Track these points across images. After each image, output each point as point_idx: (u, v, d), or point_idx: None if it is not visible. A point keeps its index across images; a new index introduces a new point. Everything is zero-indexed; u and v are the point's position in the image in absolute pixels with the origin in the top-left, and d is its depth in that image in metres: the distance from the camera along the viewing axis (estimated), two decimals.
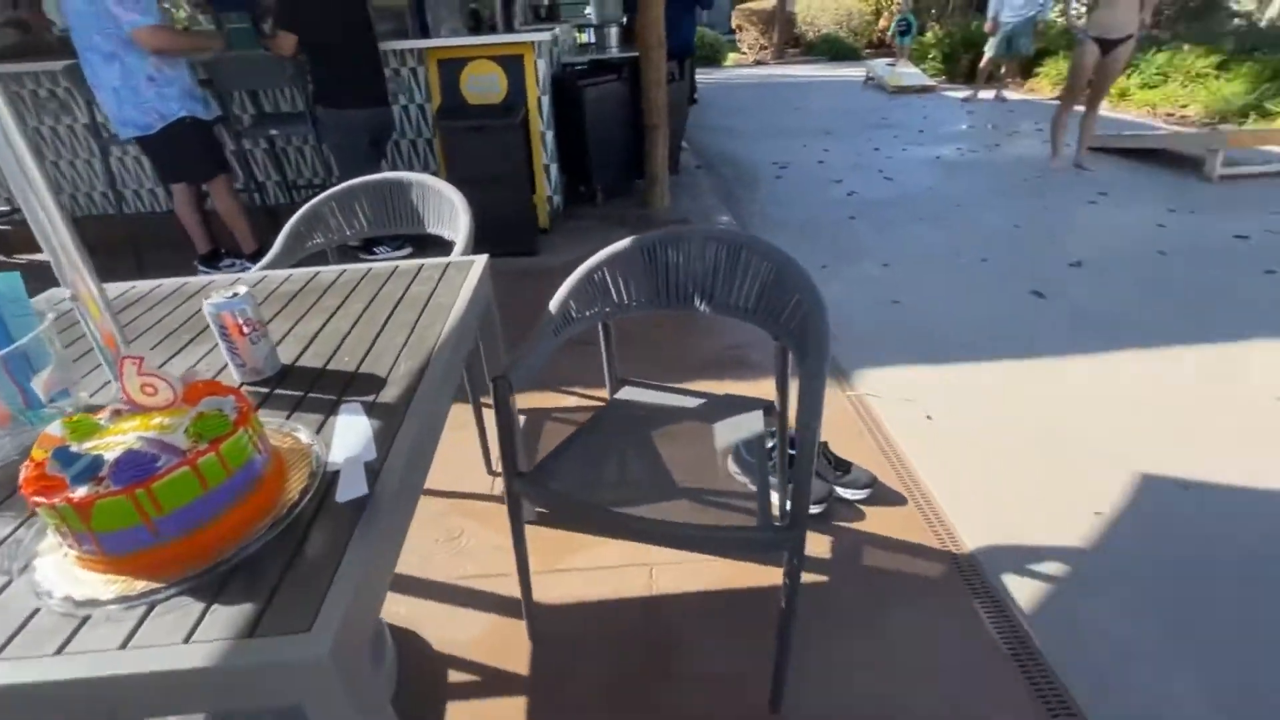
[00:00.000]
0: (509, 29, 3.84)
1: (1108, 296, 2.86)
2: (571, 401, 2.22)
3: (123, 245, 3.49)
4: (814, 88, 9.61)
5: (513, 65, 3.57)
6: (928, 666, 1.31)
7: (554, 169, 3.87)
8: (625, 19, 4.91)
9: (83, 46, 2.68)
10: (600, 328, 1.51)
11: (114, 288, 1.34)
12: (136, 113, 2.79)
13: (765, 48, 14.72)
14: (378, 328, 1.12)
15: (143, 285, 1.36)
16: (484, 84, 3.61)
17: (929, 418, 2.11)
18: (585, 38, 5.70)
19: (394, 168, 4.01)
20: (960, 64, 9.20)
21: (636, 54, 3.90)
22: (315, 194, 1.89)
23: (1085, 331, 2.57)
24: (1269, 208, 3.79)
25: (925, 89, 8.45)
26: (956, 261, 3.29)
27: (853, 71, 10.85)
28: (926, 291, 2.98)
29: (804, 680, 1.28)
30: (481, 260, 1.37)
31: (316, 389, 0.95)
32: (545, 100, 3.68)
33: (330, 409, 0.90)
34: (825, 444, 1.87)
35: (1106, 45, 4.26)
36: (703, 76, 9.69)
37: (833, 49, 13.80)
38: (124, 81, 2.72)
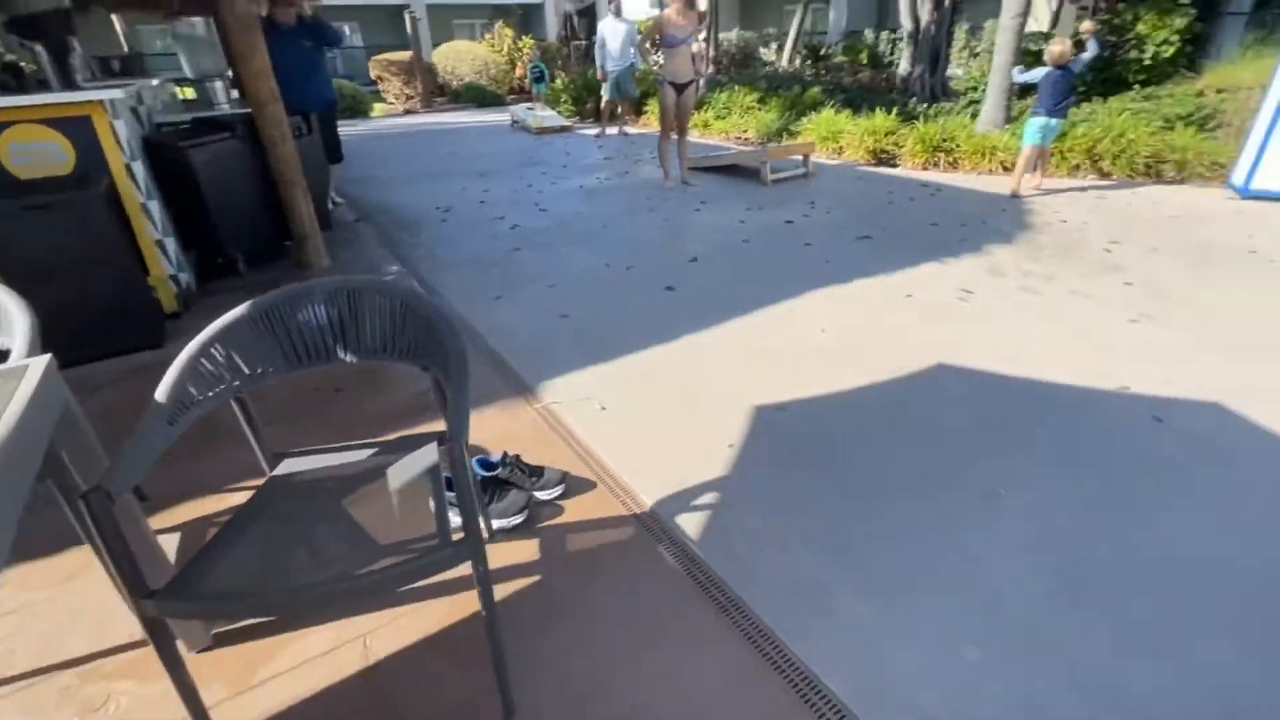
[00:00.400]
0: (68, 86, 3.18)
1: (717, 280, 3.64)
2: (226, 501, 1.96)
3: None
4: (466, 133, 9.98)
5: (79, 129, 2.97)
6: (628, 618, 1.52)
7: (171, 244, 3.33)
8: (230, 73, 4.46)
9: None
10: (235, 404, 1.39)
11: None
12: None
13: (412, 97, 14.73)
14: None
15: None
16: (39, 153, 2.92)
17: (603, 408, 2.43)
18: (190, 93, 5.01)
19: None
20: (587, 106, 10.58)
21: (249, 110, 3.59)
22: None
23: (706, 311, 3.23)
24: (803, 199, 5.27)
25: (563, 129, 9.49)
26: (607, 273, 3.81)
27: (499, 116, 11.58)
28: (588, 302, 3.40)
29: (530, 679, 1.35)
30: (41, 362, 1.15)
31: None
32: (138, 167, 3.13)
33: None
34: (518, 456, 2.01)
35: (678, 88, 5.42)
36: (349, 129, 9.27)
37: (478, 96, 14.49)
38: None
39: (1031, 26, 8.55)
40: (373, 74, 15.02)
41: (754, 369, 2.67)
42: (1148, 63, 7.67)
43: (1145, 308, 3.09)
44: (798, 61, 13.35)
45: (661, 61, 5.52)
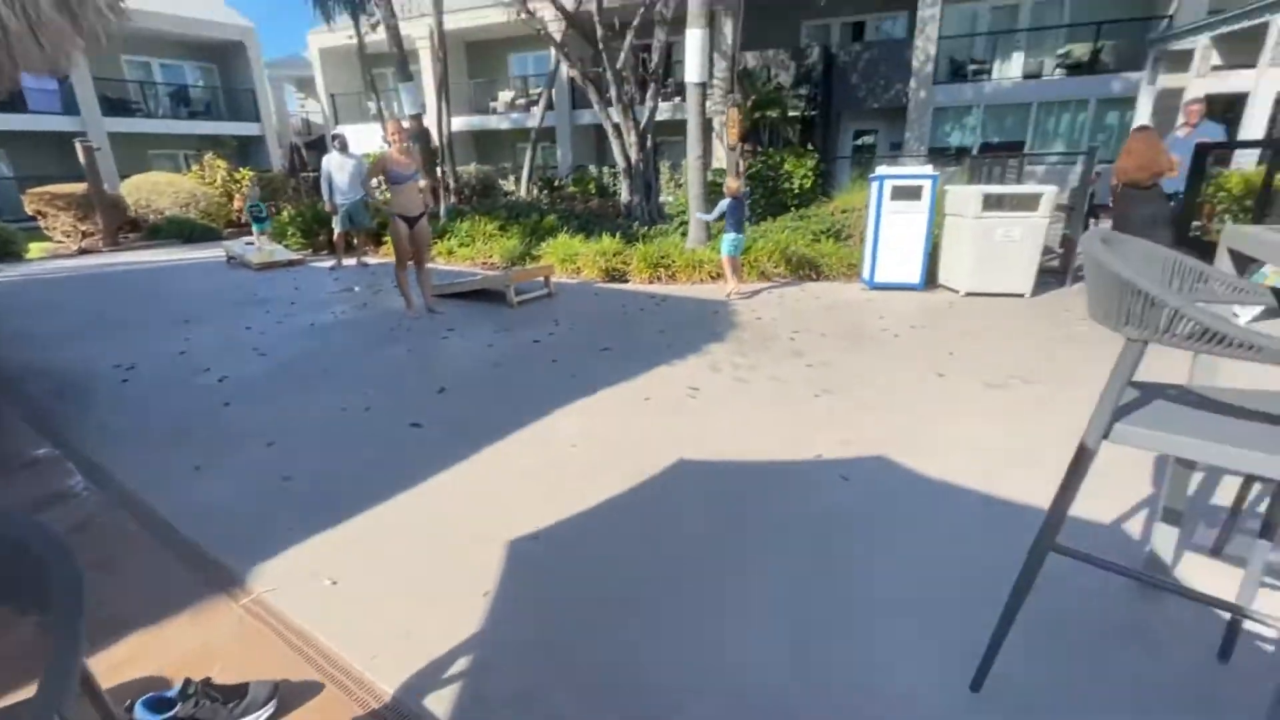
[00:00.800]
0: None
1: (466, 409, 3.54)
2: None
3: None
4: (168, 273, 8.65)
5: None
6: None
7: None
8: None
9: None
10: None
11: None
12: None
13: (91, 234, 12.43)
14: None
15: None
16: None
17: (333, 583, 2.09)
18: None
19: None
20: (319, 238, 10.01)
21: None
22: None
23: (455, 444, 3.08)
24: (547, 317, 5.53)
25: (292, 262, 8.78)
26: (342, 418, 3.46)
27: (213, 252, 10.32)
28: (317, 457, 3.01)
29: None
30: None
31: None
32: None
33: None
34: (207, 680, 1.60)
35: (409, 221, 5.44)
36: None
37: (186, 231, 12.84)
38: None
39: (715, 164, 10.65)
40: (29, 208, 12.38)
41: (507, 499, 2.58)
42: (796, 191, 9.99)
43: (823, 383, 3.78)
44: (535, 191, 14.54)
45: (389, 197, 5.53)
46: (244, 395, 3.85)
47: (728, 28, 8.69)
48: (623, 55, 10.42)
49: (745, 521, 2.37)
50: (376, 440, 3.18)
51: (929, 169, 6.50)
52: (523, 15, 12.08)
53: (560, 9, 10.85)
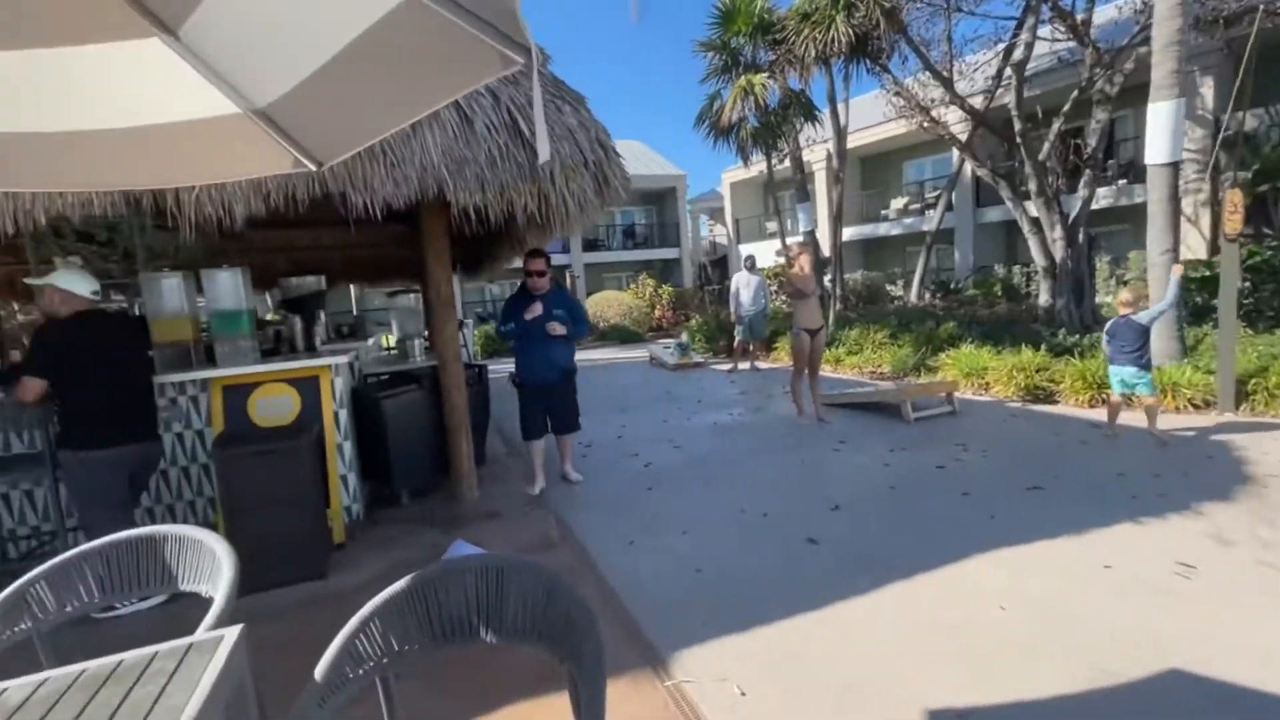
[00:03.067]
0: (310, 350, 4.02)
1: (864, 533, 3.35)
2: None
3: None
4: (609, 369, 11.01)
5: (308, 386, 3.66)
6: None
7: (352, 478, 3.78)
8: (426, 333, 5.43)
9: None
10: (379, 684, 1.39)
11: None
12: None
13: None
14: None
15: None
16: (275, 406, 3.60)
17: (742, 694, 2.14)
18: (392, 343, 6.10)
19: (159, 499, 3.60)
20: (720, 344, 11.39)
21: (435, 363, 4.27)
22: (40, 545, 1.64)
23: (855, 571, 2.93)
24: (951, 440, 4.95)
25: (697, 365, 10.17)
26: (743, 519, 3.67)
27: (639, 353, 12.74)
28: (723, 554, 3.23)
29: None
30: (230, 635, 1.25)
31: None
32: (343, 414, 3.74)
33: None
34: None
35: (811, 333, 5.73)
36: (509, 366, 10.63)
37: (622, 335, 16.24)
38: None
39: (1186, 255, 8.27)
40: None
41: (919, 654, 2.28)
42: None
43: None
44: (926, 296, 13.76)
45: (791, 309, 5.96)
46: (663, 482, 4.48)
47: (1206, 88, 6.92)
48: (1046, 145, 9.30)
49: None
50: (775, 549, 3.26)
51: None
52: (924, 125, 12.04)
53: (969, 111, 10.42)
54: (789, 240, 12.83)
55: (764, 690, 2.15)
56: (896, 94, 11.94)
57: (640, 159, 23.89)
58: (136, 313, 4.51)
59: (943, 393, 5.93)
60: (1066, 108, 9.25)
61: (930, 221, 14.07)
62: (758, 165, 12.94)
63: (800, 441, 5.28)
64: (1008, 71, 9.92)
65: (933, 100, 11.75)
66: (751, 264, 9.23)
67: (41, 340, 2.85)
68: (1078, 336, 7.57)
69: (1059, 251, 8.96)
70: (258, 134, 1.62)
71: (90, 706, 1.07)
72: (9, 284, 6.80)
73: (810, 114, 11.33)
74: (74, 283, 2.89)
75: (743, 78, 10.80)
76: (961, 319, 9.27)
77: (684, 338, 11.07)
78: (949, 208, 14.14)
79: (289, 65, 1.40)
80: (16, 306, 7.29)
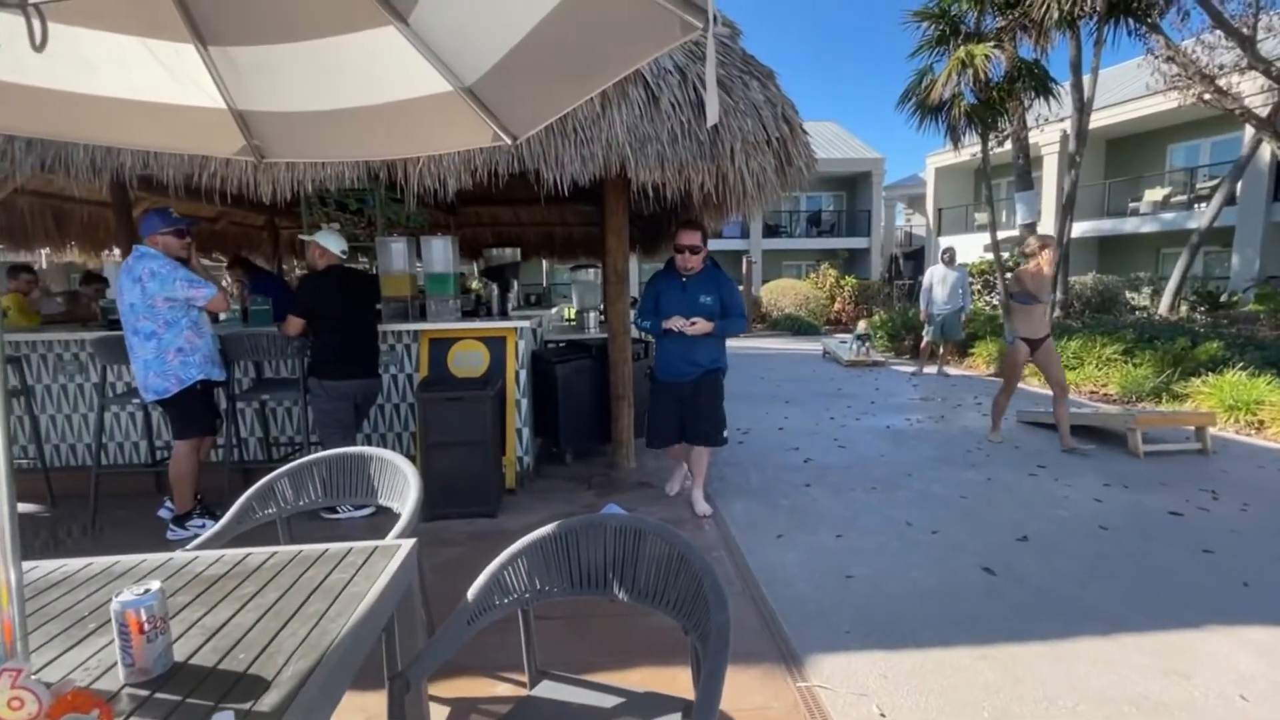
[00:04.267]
0: (502, 314, 4.48)
1: (1056, 574, 2.88)
2: (492, 689, 2.08)
3: (86, 498, 3.53)
4: (778, 359, 10.70)
5: (496, 344, 4.08)
6: None
7: (526, 433, 4.14)
8: (602, 306, 5.72)
9: (128, 329, 3.16)
10: (520, 614, 1.52)
11: (42, 567, 1.38)
12: (159, 380, 3.19)
13: None
14: (284, 620, 1.14)
15: (72, 564, 1.40)
16: (469, 359, 4.06)
17: (882, 715, 1.97)
18: (572, 315, 6.56)
19: (375, 428, 4.28)
20: (904, 343, 10.45)
21: (606, 336, 4.49)
22: (293, 451, 2.04)
23: (1037, 615, 2.53)
24: (1195, 484, 4.03)
25: (875, 364, 9.45)
26: (907, 533, 3.36)
27: (812, 345, 12.20)
28: (879, 565, 2.99)
29: None
30: (407, 545, 1.44)
31: (198, 693, 0.95)
32: (523, 373, 4.11)
33: (204, 717, 0.89)
34: None
35: (1034, 344, 4.91)
36: None
37: (795, 325, 15.68)
38: (156, 355, 3.17)
39: None
40: None
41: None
42: None
43: None
44: (1183, 309, 11.29)
45: (1007, 313, 5.15)
46: (822, 480, 4.25)
47: None
48: None
49: None
50: (941, 570, 2.93)
51: None
52: (1205, 97, 9.77)
53: (1277, 77, 8.21)
54: (1014, 232, 11.25)
55: (906, 716, 1.96)
56: (1169, 59, 9.82)
57: (834, 141, 22.63)
58: (374, 271, 5.36)
59: (1191, 425, 4.83)
60: None
61: (1200, 217, 11.43)
62: (970, 149, 11.50)
63: (988, 460, 4.68)
64: None
65: (1221, 67, 9.47)
66: (950, 257, 8.29)
67: (304, 286, 3.53)
68: None
69: None
70: (465, 110, 1.80)
71: (301, 580, 1.30)
72: (291, 244, 8.55)
73: (1044, 88, 9.74)
74: (330, 241, 3.52)
75: (962, 49, 9.62)
76: (1231, 339, 7.43)
77: (863, 327, 10.18)
78: (1230, 200, 11.35)
79: (492, 44, 1.53)
80: (296, 262, 9.19)
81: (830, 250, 21.53)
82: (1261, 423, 5.22)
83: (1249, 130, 10.09)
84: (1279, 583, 2.77)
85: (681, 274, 3.42)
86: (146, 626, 0.97)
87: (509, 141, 1.90)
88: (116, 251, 6.47)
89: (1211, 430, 4.82)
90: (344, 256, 3.60)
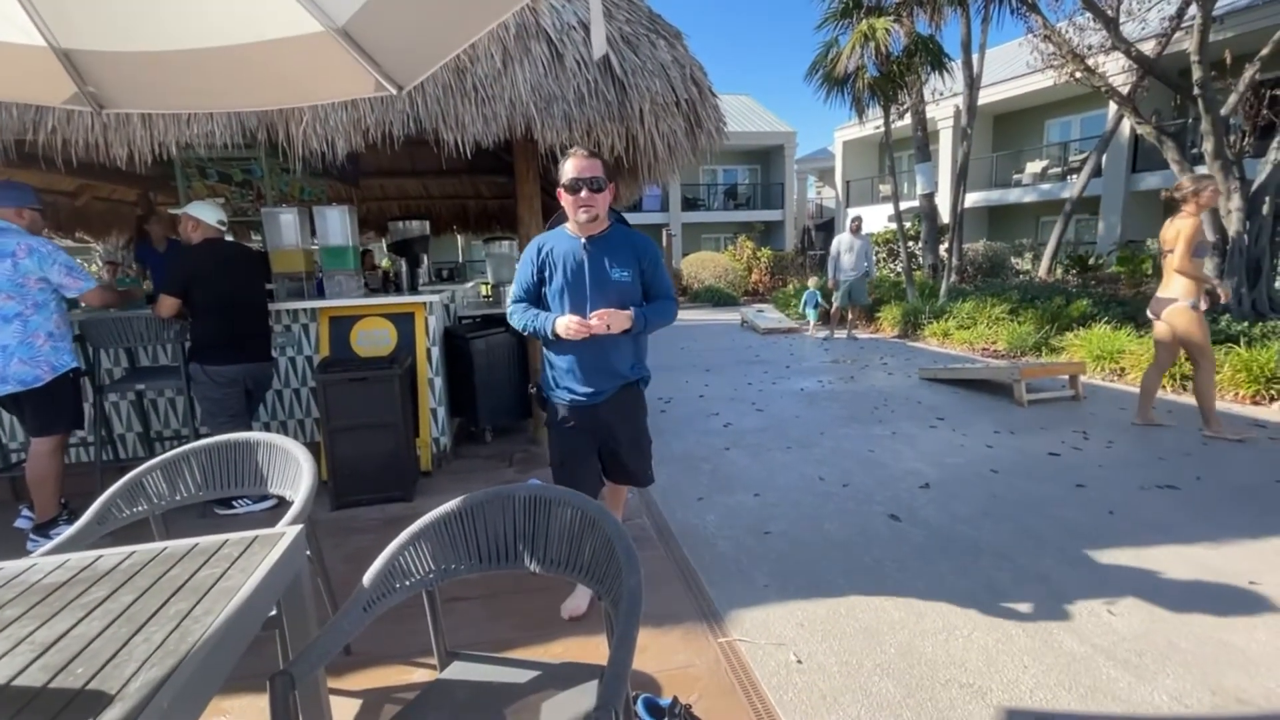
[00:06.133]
0: (412, 290, 4.23)
1: (954, 517, 3.08)
2: (407, 677, 1.99)
3: None
4: (698, 330, 10.86)
5: (404, 321, 3.85)
6: None
7: (442, 412, 3.97)
8: None
9: None
10: (425, 596, 1.43)
11: None
12: (25, 367, 2.80)
13: None
14: (137, 626, 1.01)
15: None
16: (374, 338, 3.82)
17: (799, 661, 2.04)
18: (488, 291, 6.33)
19: (274, 415, 3.96)
20: (831, 309, 10.87)
21: None
22: (178, 445, 1.83)
23: (938, 555, 2.70)
24: (1069, 426, 4.44)
25: (790, 330, 9.78)
26: (821, 488, 3.50)
27: (731, 315, 12.46)
28: (795, 520, 3.10)
29: None
30: (292, 532, 1.32)
31: (20, 718, 0.82)
32: (435, 350, 3.91)
33: None
34: (688, 707, 1.74)
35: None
36: None
37: (715, 297, 15.94)
38: (21, 340, 2.78)
39: None
40: None
41: (1001, 651, 2.06)
42: None
43: None
44: (1059, 271, 12.37)
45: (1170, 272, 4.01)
46: (740, 443, 4.36)
47: None
48: (1234, 97, 7.88)
49: None
50: (852, 521, 3.07)
51: None
52: (1076, 75, 10.58)
53: (1136, 58, 9.00)
54: (915, 203, 11.78)
55: (822, 660, 2.04)
56: (1046, 38, 10.53)
57: (747, 114, 22.94)
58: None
59: (1065, 374, 5.31)
60: (1265, 51, 7.75)
61: (1072, 188, 12.50)
62: (873, 121, 11.95)
63: (892, 415, 4.95)
64: (1192, 9, 8.44)
65: (1089, 47, 10.25)
66: (858, 225, 8.64)
67: (175, 262, 3.17)
68: (1246, 324, 6.50)
69: (1234, 224, 7.64)
70: (341, 55, 1.63)
71: (162, 580, 1.16)
72: (172, 223, 7.71)
73: (939, 62, 10.24)
74: (203, 211, 3.17)
75: (864, 22, 9.92)
76: (1098, 297, 8.22)
77: (812, 287, 9.79)
78: (1097, 172, 12.48)
79: None
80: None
81: (747, 223, 21.96)
82: (1123, 369, 5.82)
83: (1113, 107, 11.07)
84: (1138, 509, 3.10)
85: (580, 234, 2.12)
86: None
87: (394, 91, 1.74)
88: None
89: (1082, 378, 5.32)
90: (222, 229, 3.25)
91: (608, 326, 2.01)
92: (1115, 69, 10.43)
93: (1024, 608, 2.30)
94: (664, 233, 16.92)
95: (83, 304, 3.00)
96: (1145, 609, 2.26)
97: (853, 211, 19.65)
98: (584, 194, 2.05)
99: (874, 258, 9.29)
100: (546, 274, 2.17)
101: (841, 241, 8.61)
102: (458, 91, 2.99)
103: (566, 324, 2.04)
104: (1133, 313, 7.31)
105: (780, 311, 11.52)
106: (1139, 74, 9.26)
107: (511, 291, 2.28)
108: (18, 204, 2.80)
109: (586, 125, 3.16)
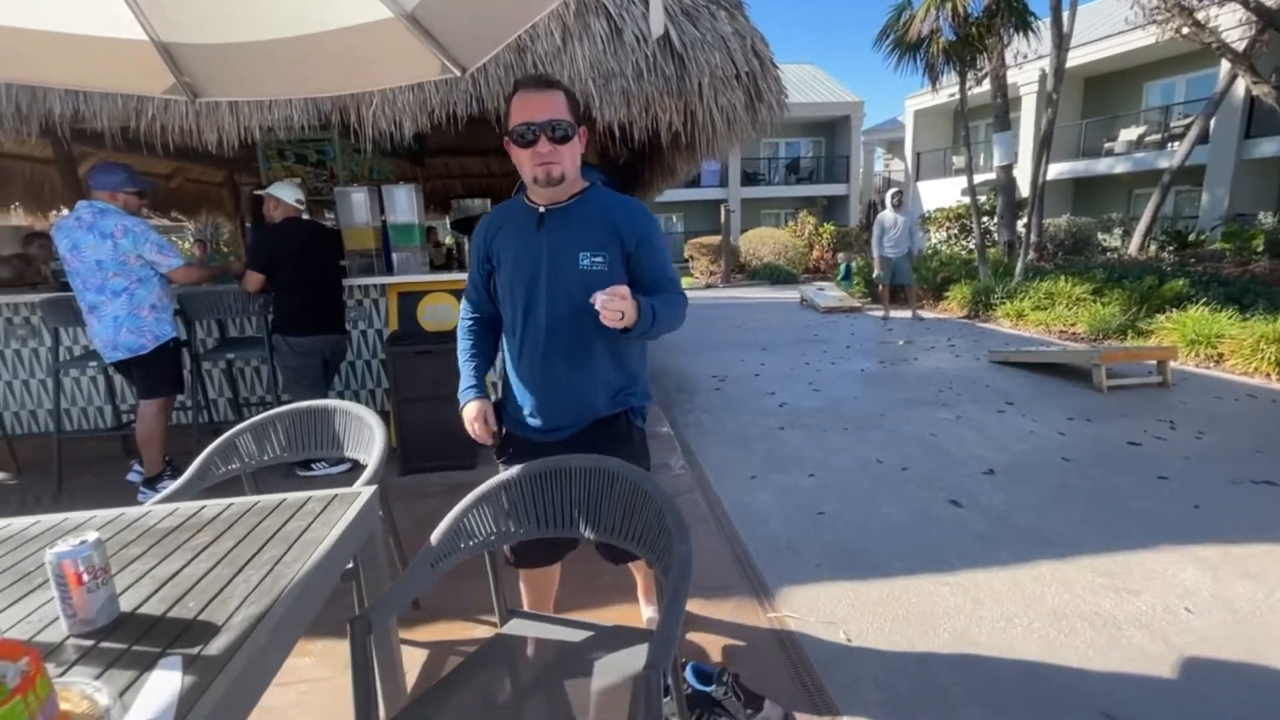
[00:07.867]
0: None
1: (1018, 504, 2.97)
2: (469, 632, 2.11)
3: (50, 465, 3.45)
4: (755, 308, 10.71)
5: None
6: None
7: (500, 385, 4.11)
8: None
9: (90, 288, 2.99)
10: (486, 556, 1.52)
11: None
12: (133, 336, 3.08)
13: (714, 273, 16.64)
14: (238, 567, 1.12)
15: (17, 523, 1.36)
16: (439, 313, 3.98)
17: (848, 640, 2.04)
18: None
19: (348, 385, 4.21)
20: (879, 289, 10.50)
21: None
22: (264, 410, 2.00)
23: (1000, 543, 2.62)
24: (1154, 415, 4.16)
25: (852, 309, 9.50)
26: (878, 470, 3.43)
27: (790, 294, 12.21)
28: (850, 501, 3.06)
29: None
30: (368, 492, 1.43)
31: (146, 640, 0.94)
32: None
33: (149, 664, 0.88)
34: (736, 676, 1.78)
35: None
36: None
37: (773, 274, 15.65)
38: (129, 311, 3.05)
39: None
40: (685, 254, 17.55)
41: (1064, 642, 2.00)
42: None
43: None
44: (1152, 249, 11.45)
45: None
46: (796, 422, 4.31)
47: None
48: None
49: None
50: (909, 504, 3.01)
51: None
52: (1184, 31, 9.64)
53: (1255, 9, 8.11)
54: (991, 175, 11.13)
55: (874, 641, 2.04)
56: None
57: (811, 84, 22.10)
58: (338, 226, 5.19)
59: (1153, 359, 4.95)
60: None
61: (1173, 156, 11.47)
62: (948, 89, 11.28)
63: (959, 398, 4.76)
64: None
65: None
66: (898, 200, 8.21)
67: (259, 240, 3.40)
68: None
69: None
70: (409, 39, 1.69)
71: (257, 529, 1.28)
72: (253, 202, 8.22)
73: (1024, 22, 9.52)
74: (284, 191, 3.37)
75: None
76: (1196, 276, 7.57)
77: (841, 263, 9.79)
78: (1202, 139, 11.37)
79: None
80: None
81: (809, 198, 21.31)
82: (1221, 355, 5.38)
83: (1225, 66, 10.04)
84: (1227, 504, 2.90)
85: (540, 203, 1.52)
86: (85, 577, 0.94)
87: (458, 73, 1.80)
88: (65, 211, 6.17)
89: (1173, 364, 4.95)
90: (300, 207, 3.45)
91: (621, 315, 1.31)
92: (1230, 22, 9.43)
93: (1091, 599, 2.21)
94: (723, 208, 16.64)
95: (171, 281, 3.25)
96: (1228, 610, 2.13)
97: (925, 186, 18.74)
98: (542, 145, 1.39)
99: (920, 234, 8.83)
100: (495, 263, 1.58)
101: (885, 219, 8.23)
102: (519, 70, 3.03)
103: (470, 421, 1.65)
104: (1237, 294, 6.71)
105: (842, 289, 11.19)
106: (1258, 27, 8.33)
107: (465, 288, 1.79)
108: (113, 187, 3.02)
109: (645, 100, 3.14)
